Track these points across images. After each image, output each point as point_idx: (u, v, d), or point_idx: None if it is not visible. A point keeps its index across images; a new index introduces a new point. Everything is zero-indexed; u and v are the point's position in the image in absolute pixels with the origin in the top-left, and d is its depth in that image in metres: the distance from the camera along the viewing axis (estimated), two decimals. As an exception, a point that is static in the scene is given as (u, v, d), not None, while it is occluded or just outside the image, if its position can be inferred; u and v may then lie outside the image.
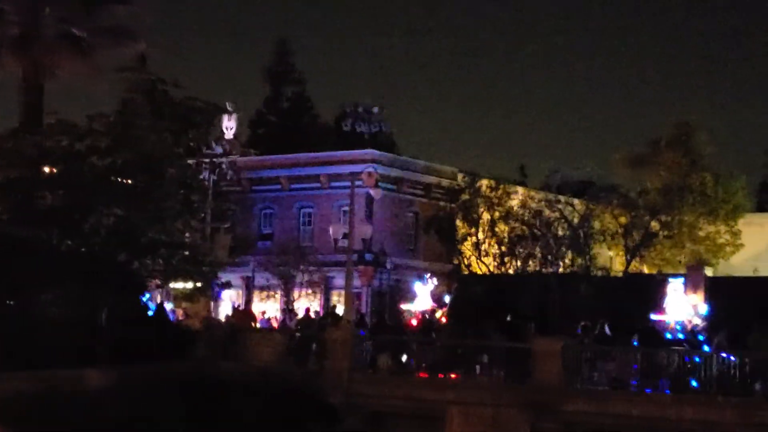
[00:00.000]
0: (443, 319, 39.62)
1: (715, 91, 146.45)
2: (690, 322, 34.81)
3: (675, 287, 35.12)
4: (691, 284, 47.78)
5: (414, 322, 38.69)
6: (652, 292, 49.50)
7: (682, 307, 34.44)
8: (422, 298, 39.44)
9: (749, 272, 54.47)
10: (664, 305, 35.46)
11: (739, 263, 58.79)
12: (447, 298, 40.93)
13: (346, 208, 58.11)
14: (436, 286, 41.15)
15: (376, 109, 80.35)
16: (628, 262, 57.46)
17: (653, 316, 35.54)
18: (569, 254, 56.06)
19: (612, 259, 59.08)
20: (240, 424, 33.26)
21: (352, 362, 34.95)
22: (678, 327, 34.27)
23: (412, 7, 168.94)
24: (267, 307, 58.49)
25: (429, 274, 43.30)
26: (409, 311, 39.93)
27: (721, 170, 61.16)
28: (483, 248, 57.92)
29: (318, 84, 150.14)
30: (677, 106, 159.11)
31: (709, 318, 35.51)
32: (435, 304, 39.37)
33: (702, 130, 61.74)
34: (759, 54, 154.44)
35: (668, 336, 34.18)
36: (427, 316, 40.10)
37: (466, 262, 58.10)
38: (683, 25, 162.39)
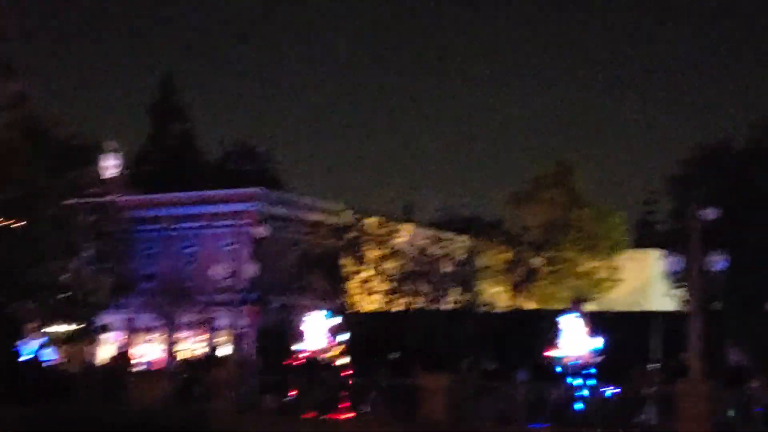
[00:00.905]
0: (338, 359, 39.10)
1: (596, 129, 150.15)
2: (582, 357, 35.10)
3: (570, 322, 35.49)
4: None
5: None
6: (536, 327, 50.16)
7: (577, 342, 34.83)
8: (315, 336, 38.93)
9: (629, 307, 55.61)
10: (559, 340, 35.81)
11: (620, 298, 59.99)
12: (342, 337, 40.56)
13: (231, 247, 57.61)
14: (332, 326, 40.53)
15: (260, 147, 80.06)
16: (513, 298, 58.14)
17: (549, 353, 35.89)
18: (455, 290, 56.45)
19: (496, 295, 59.70)
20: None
21: (237, 403, 34.56)
22: (575, 362, 34.63)
23: (298, 44, 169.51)
24: (150, 349, 57.42)
25: (324, 313, 42.87)
26: (300, 351, 39.36)
27: (601, 207, 62.46)
28: (370, 285, 57.97)
29: (203, 122, 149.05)
30: (560, 143, 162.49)
31: (599, 353, 35.92)
32: (333, 341, 38.93)
33: (582, 167, 63.20)
34: (638, 93, 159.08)
35: (562, 370, 34.36)
36: (316, 355, 39.50)
37: (353, 299, 58.03)
38: (563, 64, 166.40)
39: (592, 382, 32.81)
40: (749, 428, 28.89)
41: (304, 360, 38.47)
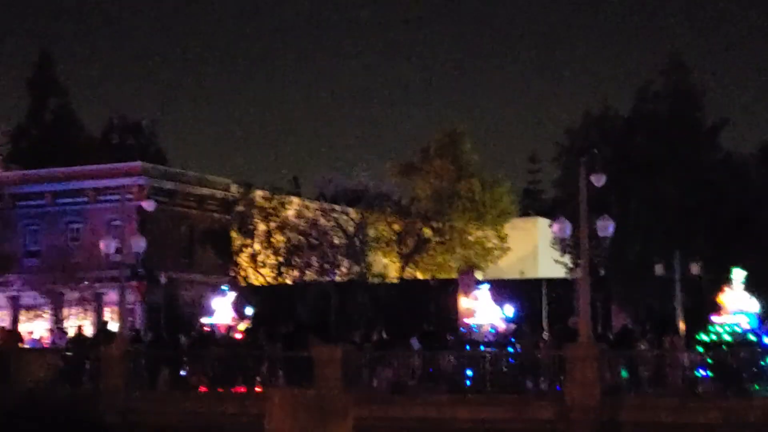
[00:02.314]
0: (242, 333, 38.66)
1: (480, 99, 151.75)
2: (496, 325, 35.44)
3: (483, 292, 35.85)
4: (464, 289, 49.15)
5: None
6: (426, 296, 50.70)
7: (490, 311, 35.19)
8: (221, 311, 38.43)
9: (517, 275, 56.51)
10: (474, 309, 36.10)
11: (507, 266, 60.85)
12: (249, 310, 40.11)
13: (117, 222, 56.67)
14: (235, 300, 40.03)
15: (145, 122, 78.78)
16: (403, 269, 58.55)
17: (465, 320, 36.21)
18: (346, 262, 56.62)
19: (387, 266, 60.00)
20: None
21: (128, 379, 34.01)
22: (492, 330, 34.99)
23: (181, 17, 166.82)
24: (35, 327, 56.27)
25: (228, 287, 42.50)
26: (211, 325, 38.88)
27: (488, 177, 63.09)
28: (260, 259, 57.71)
29: (84, 97, 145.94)
30: (446, 113, 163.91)
31: (512, 321, 36.38)
32: (236, 317, 38.53)
33: (468, 137, 63.54)
34: (521, 62, 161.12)
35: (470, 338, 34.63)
36: (221, 329, 39.00)
37: (243, 273, 57.71)
38: (445, 31, 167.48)
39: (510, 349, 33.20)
40: (638, 390, 29.60)
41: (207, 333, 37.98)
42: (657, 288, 44.25)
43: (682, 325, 41.18)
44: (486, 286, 36.03)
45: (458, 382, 31.41)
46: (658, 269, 43.96)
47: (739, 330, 30.18)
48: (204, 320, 38.37)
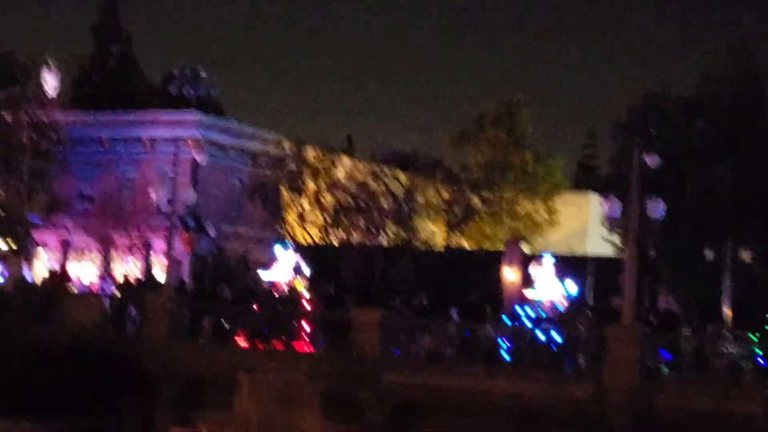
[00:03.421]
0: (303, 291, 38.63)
1: (539, 71, 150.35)
2: (560, 302, 35.17)
3: (546, 267, 35.52)
4: (508, 259, 48.93)
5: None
6: (471, 266, 50.46)
7: (552, 286, 34.94)
8: (283, 266, 38.41)
9: (564, 250, 56.01)
10: (534, 283, 35.85)
11: (556, 241, 60.31)
12: (305, 270, 39.99)
13: (170, 173, 57.11)
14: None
15: (203, 73, 78.91)
16: (449, 237, 58.33)
17: (527, 294, 36.03)
18: (392, 227, 56.51)
19: (434, 233, 59.77)
20: (48, 391, 32.30)
21: (170, 328, 34.39)
22: (558, 307, 34.79)
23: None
24: (84, 270, 57.04)
25: (291, 242, 42.24)
26: (269, 280, 38.88)
27: (542, 149, 62.58)
28: (308, 218, 57.79)
29: (146, 44, 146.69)
30: (503, 83, 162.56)
31: (576, 297, 36.06)
32: (295, 274, 38.56)
33: (524, 108, 62.89)
34: (581, 35, 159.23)
35: (538, 314, 34.46)
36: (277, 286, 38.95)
37: (290, 231, 57.86)
38: (511, 2, 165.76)
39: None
40: (679, 376, 29.28)
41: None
42: (706, 274, 43.69)
43: (728, 313, 40.70)
44: (549, 258, 35.59)
45: (496, 355, 31.37)
46: (708, 255, 43.40)
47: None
48: (261, 275, 38.40)
